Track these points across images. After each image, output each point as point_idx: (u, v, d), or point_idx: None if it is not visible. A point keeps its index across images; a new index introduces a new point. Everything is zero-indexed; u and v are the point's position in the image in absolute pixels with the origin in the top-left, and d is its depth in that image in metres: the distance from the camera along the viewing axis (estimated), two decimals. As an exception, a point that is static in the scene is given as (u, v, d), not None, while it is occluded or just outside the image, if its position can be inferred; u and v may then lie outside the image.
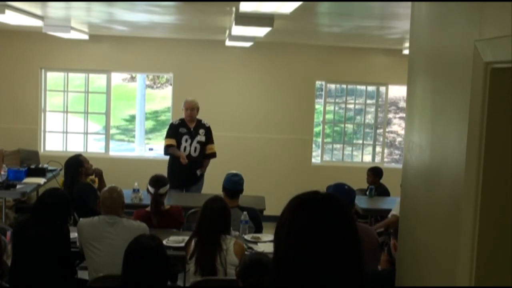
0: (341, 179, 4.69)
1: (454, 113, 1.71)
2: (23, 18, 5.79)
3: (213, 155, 6.94)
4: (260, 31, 5.96)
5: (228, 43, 7.76)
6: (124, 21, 6.81)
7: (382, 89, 9.46)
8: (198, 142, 6.78)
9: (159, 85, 18.41)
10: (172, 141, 6.75)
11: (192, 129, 6.79)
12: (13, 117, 8.64)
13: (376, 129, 9.60)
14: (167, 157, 6.95)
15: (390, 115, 14.69)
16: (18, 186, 6.07)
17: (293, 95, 8.86)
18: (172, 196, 5.97)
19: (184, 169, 6.63)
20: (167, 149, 6.81)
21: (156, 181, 4.98)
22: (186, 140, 6.75)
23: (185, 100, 6.91)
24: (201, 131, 6.84)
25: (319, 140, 9.81)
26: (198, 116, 6.91)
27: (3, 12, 5.09)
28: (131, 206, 5.51)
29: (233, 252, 3.78)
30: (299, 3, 4.04)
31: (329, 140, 10.17)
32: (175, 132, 6.79)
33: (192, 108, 6.81)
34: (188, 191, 6.75)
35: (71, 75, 9.33)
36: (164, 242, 4.06)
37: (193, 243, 3.84)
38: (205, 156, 6.85)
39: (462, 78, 1.62)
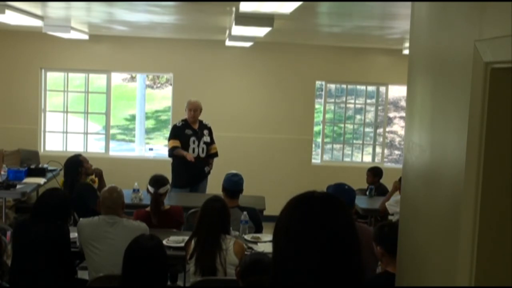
0: (341, 179, 4.69)
1: (454, 113, 1.71)
2: (23, 18, 5.79)
3: (216, 154, 7.01)
4: (260, 31, 5.96)
5: (228, 43, 7.76)
6: (124, 21, 6.81)
7: (382, 89, 9.46)
8: (204, 142, 6.82)
9: (159, 85, 18.41)
10: (177, 143, 6.72)
11: (197, 130, 6.81)
12: (13, 117, 8.64)
13: (376, 129, 9.60)
14: (168, 157, 6.94)
15: (390, 115, 14.69)
16: (18, 186, 6.07)
17: (293, 95, 8.87)
18: (172, 196, 5.99)
19: (194, 167, 6.65)
20: (172, 151, 6.77)
21: (156, 181, 4.99)
22: (194, 142, 6.75)
23: (189, 101, 6.91)
24: (205, 131, 6.89)
25: (319, 140, 9.81)
26: (199, 117, 6.93)
27: (3, 12, 5.09)
28: (131, 206, 5.52)
29: (233, 252, 3.78)
30: (299, 3, 4.04)
31: (329, 140, 10.17)
32: (179, 133, 6.77)
33: (195, 109, 6.82)
34: (196, 189, 6.78)
35: (71, 75, 9.33)
36: (164, 242, 4.06)
37: (192, 243, 3.84)
38: (209, 155, 6.88)
39: (462, 78, 1.62)
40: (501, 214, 1.50)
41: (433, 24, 2.00)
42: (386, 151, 10.88)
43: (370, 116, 10.58)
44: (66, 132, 9.10)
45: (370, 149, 9.68)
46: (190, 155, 6.59)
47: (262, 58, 8.81)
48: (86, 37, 8.12)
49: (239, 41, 7.53)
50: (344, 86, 9.64)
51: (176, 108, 8.56)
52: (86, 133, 9.29)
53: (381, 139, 9.61)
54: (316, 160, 9.41)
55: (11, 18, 5.65)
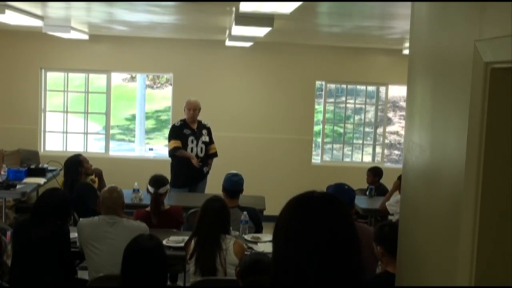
0: (341, 179, 4.69)
1: (454, 113, 1.71)
2: (23, 18, 5.79)
3: (216, 154, 7.00)
4: (260, 31, 5.96)
5: (228, 43, 7.76)
6: (124, 21, 6.81)
7: (382, 89, 9.46)
8: (203, 142, 6.83)
9: (159, 85, 18.41)
10: (178, 143, 6.73)
11: (196, 130, 6.82)
12: (13, 117, 8.64)
13: (376, 129, 9.60)
14: (168, 157, 6.94)
15: (390, 115, 14.68)
16: (18, 186, 6.07)
17: (293, 95, 8.87)
18: (172, 196, 5.99)
19: (192, 167, 6.65)
20: (175, 151, 6.75)
21: (156, 181, 4.99)
22: (192, 141, 6.76)
23: (188, 100, 6.91)
24: (204, 131, 6.89)
25: (319, 140, 9.81)
26: (198, 117, 6.93)
27: (3, 12, 5.09)
28: (131, 206, 5.51)
29: (233, 252, 3.78)
30: (299, 3, 4.04)
31: (329, 140, 10.17)
32: (179, 133, 6.78)
33: (194, 108, 6.83)
34: (195, 190, 6.79)
35: (71, 75, 9.33)
36: (164, 242, 4.07)
37: (192, 243, 3.84)
38: (208, 156, 6.88)
39: (462, 78, 1.62)
40: (501, 214, 1.50)
41: (433, 24, 2.00)
42: (386, 151, 10.87)
43: (370, 116, 10.58)
44: (66, 132, 9.09)
45: (370, 149, 9.68)
46: (196, 160, 6.61)
47: (262, 58, 8.81)
48: (86, 37, 8.12)
49: (239, 41, 7.53)
50: (344, 86, 9.65)
51: (176, 108, 8.56)
52: (86, 133, 9.29)
53: (381, 139, 9.60)
54: (316, 160, 9.41)
55: (11, 18, 5.65)
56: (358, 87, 9.63)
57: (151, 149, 10.88)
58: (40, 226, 3.97)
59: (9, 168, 6.54)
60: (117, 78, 17.05)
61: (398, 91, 12.89)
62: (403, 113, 14.22)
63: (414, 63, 2.20)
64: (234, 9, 5.05)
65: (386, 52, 8.85)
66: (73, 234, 4.15)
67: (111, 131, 10.16)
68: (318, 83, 9.28)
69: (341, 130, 10.61)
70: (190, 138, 6.76)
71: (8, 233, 4.54)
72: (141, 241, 3.14)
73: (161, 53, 8.80)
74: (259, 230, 4.91)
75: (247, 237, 4.62)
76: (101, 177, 5.77)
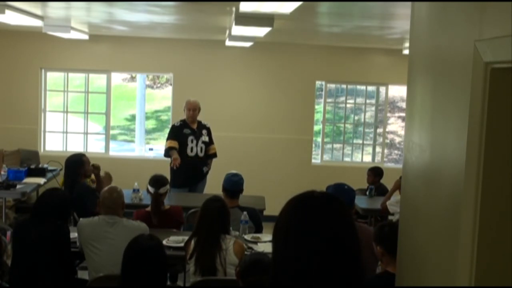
0: (341, 179, 4.69)
1: (454, 113, 1.71)
2: (23, 18, 5.79)
3: (215, 155, 7.00)
4: (260, 31, 5.96)
5: (228, 43, 7.76)
6: (124, 21, 6.81)
7: (382, 89, 9.46)
8: (203, 142, 6.83)
9: (159, 85, 18.41)
10: (174, 143, 6.72)
11: (196, 130, 6.82)
12: (13, 117, 8.64)
13: (376, 129, 9.60)
14: (168, 157, 6.94)
15: (389, 115, 14.68)
16: (18, 186, 6.06)
17: (293, 95, 8.87)
18: (172, 196, 5.99)
19: (192, 167, 6.64)
20: (168, 151, 6.77)
21: (156, 181, 4.98)
22: (192, 141, 6.76)
23: (187, 100, 6.92)
24: (204, 131, 6.90)
25: (319, 140, 9.81)
26: (198, 117, 6.93)
27: (3, 12, 5.09)
28: (131, 206, 5.51)
29: (233, 252, 3.78)
30: (299, 3, 4.04)
31: (328, 140, 10.17)
32: (178, 133, 6.78)
33: (194, 108, 6.84)
34: (195, 190, 6.79)
35: (71, 75, 9.33)
36: (164, 242, 4.07)
37: (192, 243, 3.84)
38: (207, 156, 6.89)
39: (462, 78, 1.62)
40: (501, 214, 1.50)
41: (433, 24, 2.00)
42: (386, 151, 10.87)
43: (369, 115, 10.58)
44: (66, 132, 9.10)
45: (370, 149, 9.68)
46: (176, 161, 6.51)
47: (262, 58, 8.81)
48: (86, 37, 8.12)
49: (239, 41, 7.53)
50: (344, 86, 9.65)
51: (176, 108, 8.56)
52: (86, 133, 9.29)
53: (381, 139, 9.60)
54: (316, 160, 9.40)
55: (11, 18, 5.65)
56: (358, 87, 9.63)
57: (151, 149, 10.89)
58: (40, 226, 3.97)
59: (9, 168, 6.54)
60: (117, 78, 17.05)
61: (396, 91, 12.89)
62: (401, 113, 14.23)
63: (414, 63, 2.21)
64: (234, 9, 5.05)
65: (386, 52, 8.85)
66: (73, 234, 4.15)
67: (112, 132, 10.16)
68: (318, 83, 9.28)
69: (341, 130, 10.61)
70: (190, 138, 6.76)
71: (8, 233, 4.54)
72: (141, 241, 3.14)
73: (161, 53, 8.80)
74: (259, 230, 4.91)
75: (247, 237, 4.62)
76: (99, 174, 5.75)
